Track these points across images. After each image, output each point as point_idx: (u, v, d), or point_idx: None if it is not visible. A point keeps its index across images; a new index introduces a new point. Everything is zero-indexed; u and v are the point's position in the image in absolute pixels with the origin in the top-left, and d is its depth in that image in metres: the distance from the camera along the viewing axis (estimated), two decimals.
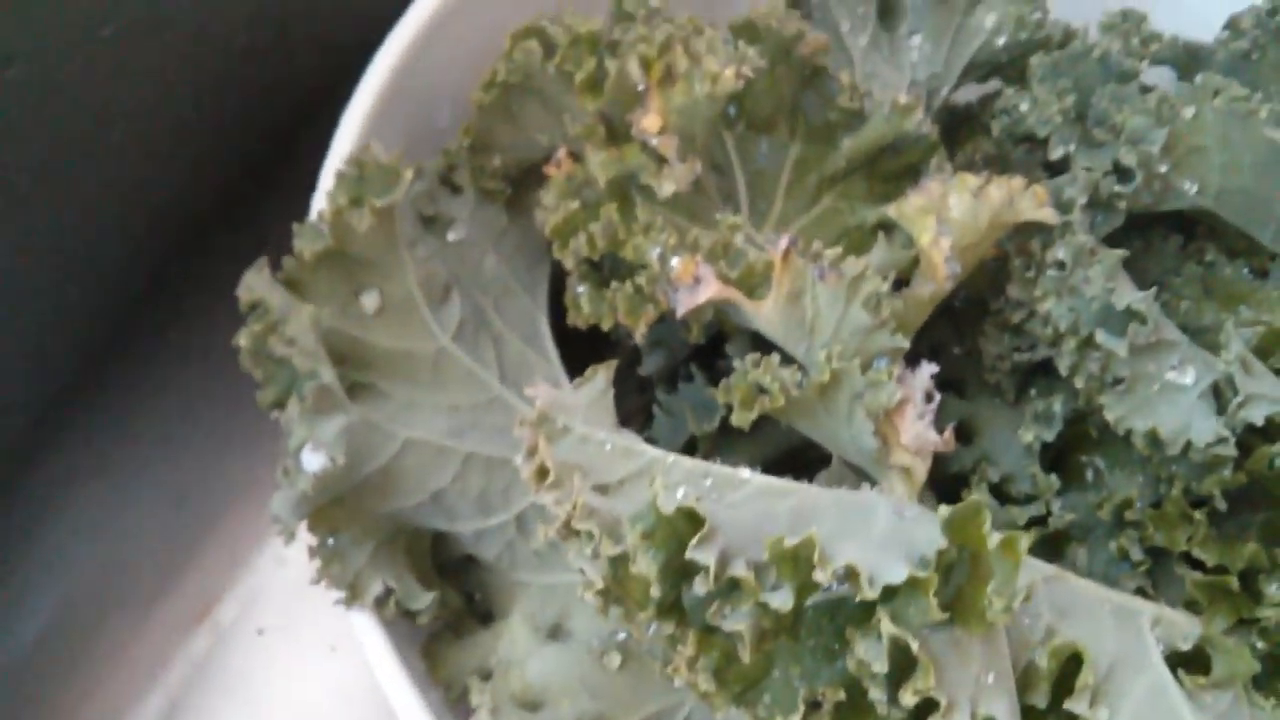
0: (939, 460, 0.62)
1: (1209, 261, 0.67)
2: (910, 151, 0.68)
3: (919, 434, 0.55)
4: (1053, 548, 0.57)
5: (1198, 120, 0.62)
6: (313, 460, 0.53)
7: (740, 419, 0.55)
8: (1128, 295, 0.54)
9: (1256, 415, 0.53)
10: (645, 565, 0.44)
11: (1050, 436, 0.59)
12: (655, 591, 0.44)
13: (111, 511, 0.77)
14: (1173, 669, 0.51)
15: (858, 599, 0.41)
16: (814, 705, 0.44)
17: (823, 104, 0.68)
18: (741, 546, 0.43)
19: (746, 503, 0.49)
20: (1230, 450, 0.52)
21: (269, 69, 0.74)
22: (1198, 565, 0.55)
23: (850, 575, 0.41)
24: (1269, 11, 0.70)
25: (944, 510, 0.42)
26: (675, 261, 0.55)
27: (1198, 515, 0.54)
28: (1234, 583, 0.53)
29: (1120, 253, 0.57)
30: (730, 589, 0.43)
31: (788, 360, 0.57)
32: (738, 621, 0.43)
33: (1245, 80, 0.70)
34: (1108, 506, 0.56)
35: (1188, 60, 0.73)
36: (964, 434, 0.65)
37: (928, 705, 0.42)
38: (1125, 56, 0.67)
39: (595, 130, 0.59)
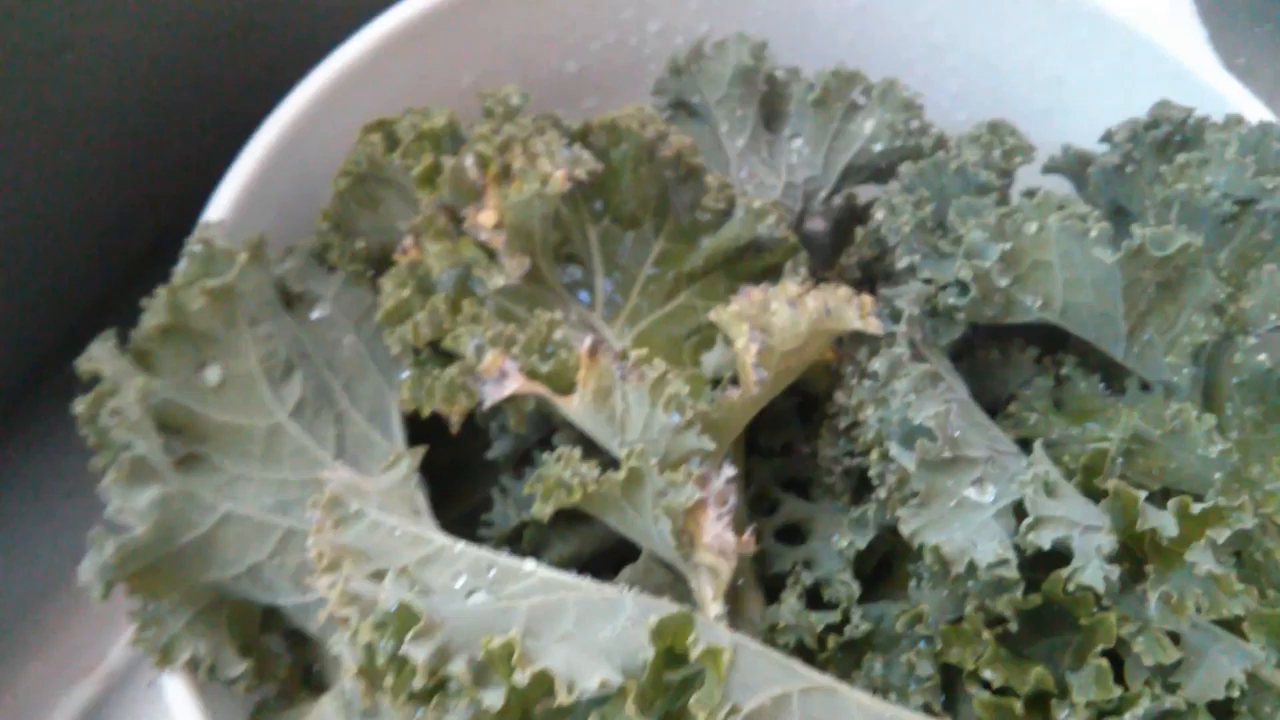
0: (764, 559, 0.63)
1: (1064, 375, 0.67)
2: (769, 253, 0.69)
3: (718, 534, 0.56)
4: (851, 656, 0.57)
5: (1040, 236, 0.62)
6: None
7: (539, 511, 0.56)
8: (925, 410, 0.55)
9: (1044, 539, 0.53)
10: (380, 657, 0.45)
11: (862, 544, 0.59)
12: (415, 682, 0.45)
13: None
14: None
15: (556, 704, 0.42)
16: None
17: (692, 203, 0.70)
18: (467, 644, 0.44)
19: (524, 595, 0.50)
20: (1012, 572, 0.52)
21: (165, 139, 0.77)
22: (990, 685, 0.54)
23: (543, 680, 0.41)
24: (1145, 125, 0.70)
25: (651, 619, 0.43)
26: (486, 356, 0.56)
27: (986, 634, 0.54)
28: (1017, 706, 0.53)
29: (926, 368, 0.57)
30: (444, 686, 0.44)
31: (603, 455, 0.59)
32: (455, 719, 0.44)
33: (1120, 193, 0.71)
34: (903, 619, 0.56)
35: (1080, 169, 0.74)
36: (799, 535, 0.66)
37: None
38: (983, 168, 0.67)
39: (433, 221, 0.61)
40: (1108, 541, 0.51)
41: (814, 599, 0.61)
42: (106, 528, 0.57)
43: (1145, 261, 0.60)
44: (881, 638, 0.57)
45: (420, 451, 0.58)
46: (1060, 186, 0.74)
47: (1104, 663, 0.52)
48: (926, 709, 0.54)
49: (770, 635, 0.59)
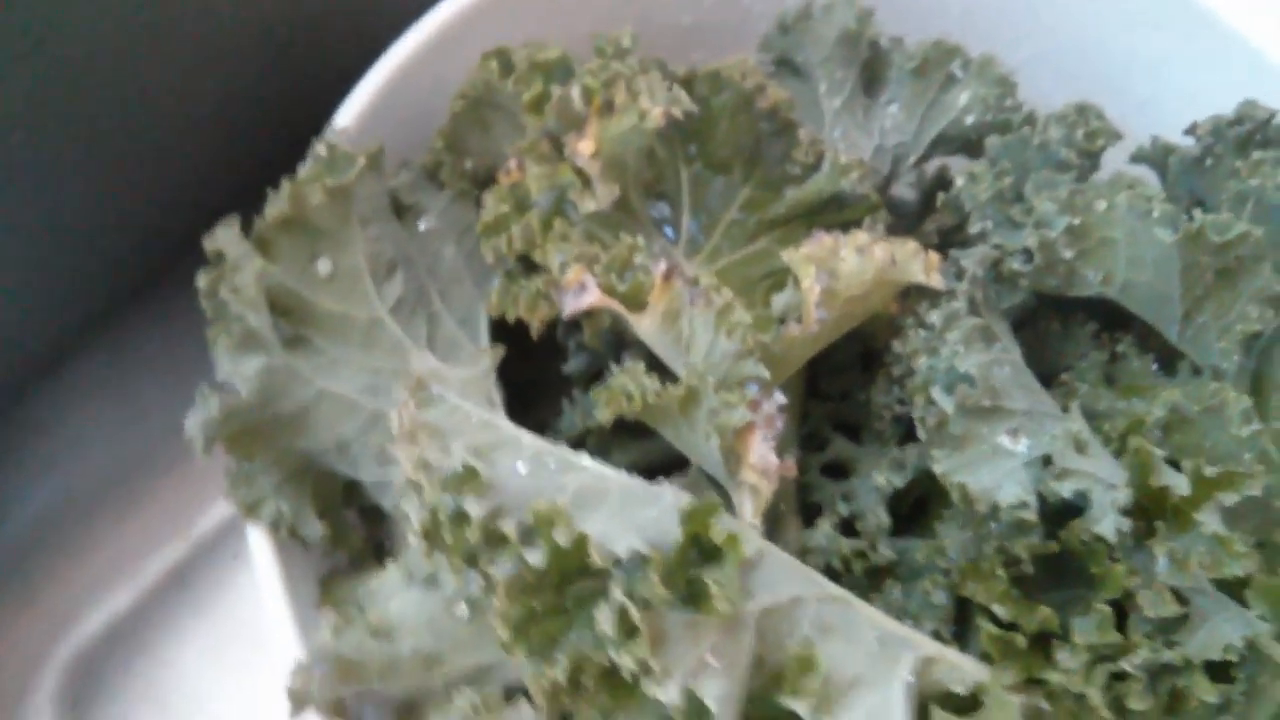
0: (807, 490, 0.67)
1: (1119, 352, 0.71)
2: (851, 209, 0.73)
3: (763, 456, 0.61)
4: (874, 582, 0.62)
5: (1108, 214, 0.66)
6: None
7: (601, 415, 0.62)
8: (971, 360, 0.59)
9: (1065, 489, 0.57)
10: (441, 514, 0.51)
11: (900, 482, 0.64)
12: (470, 535, 0.51)
13: (114, 425, 0.88)
14: (945, 708, 0.55)
15: (589, 567, 0.47)
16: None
17: (783, 155, 0.74)
18: (518, 507, 0.50)
19: (573, 483, 0.56)
20: (1031, 515, 0.56)
21: (302, 53, 0.84)
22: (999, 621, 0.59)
23: (580, 543, 0.47)
24: (1229, 122, 0.73)
25: (683, 503, 0.48)
26: (570, 270, 0.62)
27: (1001, 573, 0.58)
28: (1020, 640, 0.57)
29: (978, 322, 0.61)
30: (496, 541, 0.50)
31: (666, 373, 0.64)
32: (501, 571, 0.50)
33: (1199, 185, 0.74)
34: (925, 551, 0.60)
35: (1164, 160, 0.76)
36: (842, 471, 0.70)
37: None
38: (1064, 146, 0.71)
39: (537, 146, 0.67)
40: (1124, 495, 0.55)
41: (848, 529, 0.65)
42: (214, 388, 0.64)
43: (1203, 246, 0.63)
44: (905, 568, 0.62)
45: (500, 350, 0.64)
46: (1148, 177, 0.77)
47: (1107, 609, 0.56)
48: (936, 635, 0.59)
49: (802, 556, 0.64)
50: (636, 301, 0.62)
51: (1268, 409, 0.67)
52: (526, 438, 0.59)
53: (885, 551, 0.61)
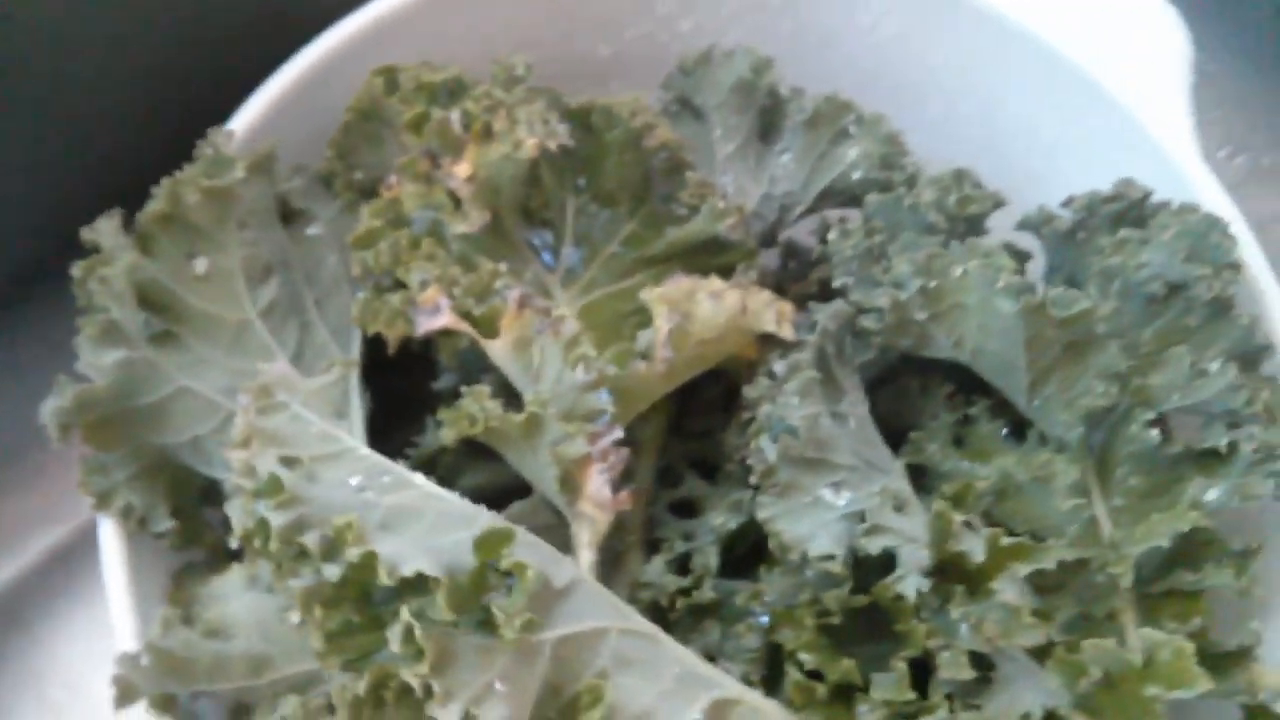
0: (652, 526, 0.69)
1: (971, 415, 0.73)
2: (727, 254, 0.75)
3: (599, 488, 0.63)
4: (696, 621, 0.64)
5: (962, 280, 0.68)
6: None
7: (445, 436, 0.64)
8: (799, 411, 0.61)
9: (873, 546, 0.59)
10: (250, 520, 0.53)
11: (734, 524, 0.66)
12: (272, 545, 0.53)
13: (8, 403, 0.89)
14: None
15: (379, 584, 0.49)
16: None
17: (669, 195, 0.77)
18: (322, 522, 0.52)
19: (391, 501, 0.57)
20: (837, 567, 0.58)
21: (216, 53, 0.86)
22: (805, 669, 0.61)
23: (369, 561, 0.49)
24: (1105, 198, 0.75)
25: (477, 527, 0.50)
26: (428, 289, 0.64)
27: (809, 621, 0.60)
28: (822, 690, 0.59)
29: (817, 376, 0.63)
30: (297, 553, 0.51)
31: (519, 399, 0.66)
32: (300, 583, 0.52)
33: (1070, 258, 0.76)
34: (744, 595, 0.62)
35: (1042, 230, 0.79)
36: (693, 509, 0.72)
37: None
38: (934, 210, 0.73)
39: (415, 165, 0.69)
40: (925, 556, 0.57)
41: (683, 568, 0.67)
42: (73, 378, 0.66)
43: (1047, 319, 0.65)
44: (726, 610, 0.64)
45: (353, 361, 0.66)
46: (1033, 246, 0.79)
47: (904, 667, 0.58)
48: (746, 678, 0.61)
49: (633, 591, 0.66)
50: (489, 327, 0.64)
51: (1109, 484, 0.70)
52: (364, 451, 0.61)
53: (709, 591, 0.63)
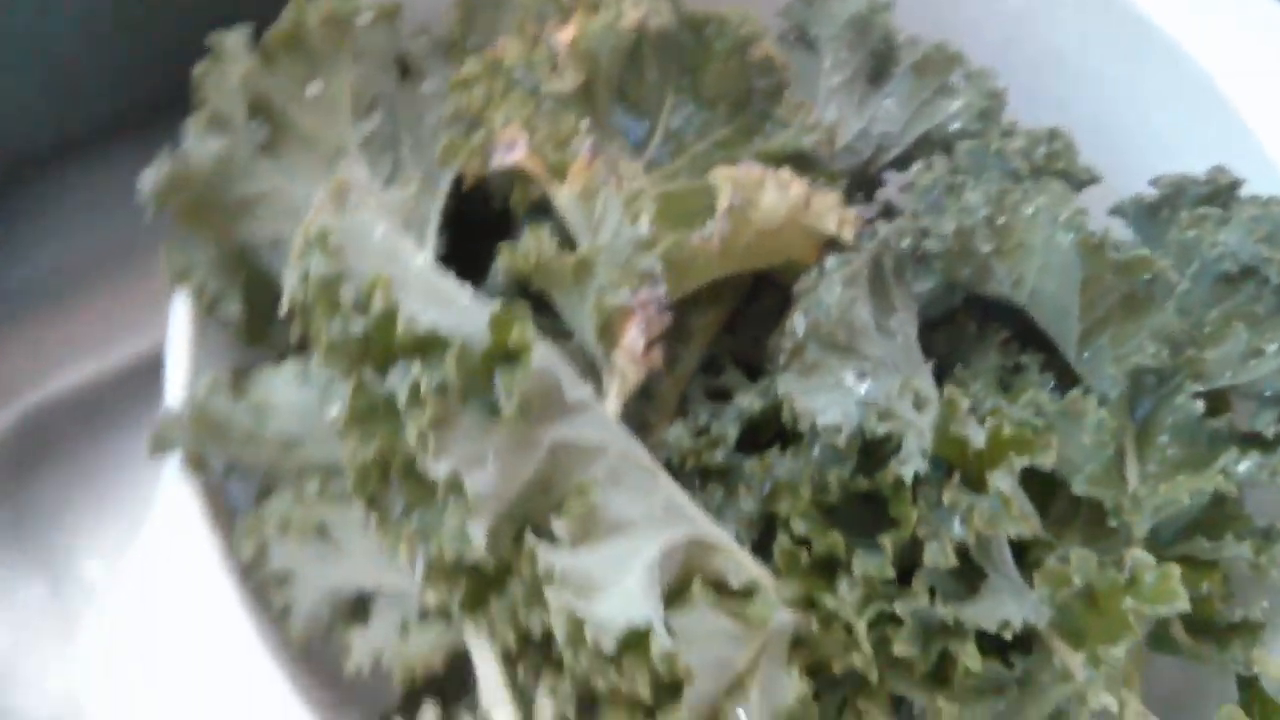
0: (685, 403, 0.72)
1: (1021, 362, 0.73)
2: (811, 171, 0.77)
3: (634, 341, 0.66)
4: (702, 481, 0.66)
5: (1033, 218, 0.69)
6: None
7: (501, 266, 0.67)
8: (837, 292, 0.63)
9: (881, 428, 0.60)
10: (300, 278, 0.57)
11: (758, 405, 0.67)
12: (309, 293, 0.57)
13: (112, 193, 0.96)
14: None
15: (394, 335, 0.53)
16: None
17: (765, 110, 0.79)
18: (359, 279, 0.56)
19: (444, 287, 0.61)
20: (842, 440, 0.60)
21: None
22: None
23: (391, 314, 0.52)
24: (1194, 181, 0.75)
25: (495, 305, 0.53)
26: (511, 127, 0.68)
27: (805, 491, 0.61)
28: (806, 558, 0.60)
29: (861, 269, 0.65)
30: (332, 306, 0.55)
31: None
32: (329, 332, 0.55)
33: (1149, 233, 0.76)
34: (753, 465, 0.64)
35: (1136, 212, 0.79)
36: (728, 399, 0.74)
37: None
38: (1020, 158, 0.74)
39: (524, 27, 0.73)
40: (927, 439, 0.58)
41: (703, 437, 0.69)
42: (177, 154, 0.71)
43: (1105, 262, 0.66)
44: (733, 477, 0.65)
45: (435, 183, 0.70)
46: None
47: (890, 546, 0.59)
48: (737, 537, 0.62)
49: (651, 450, 0.68)
50: (558, 171, 0.67)
51: (1148, 450, 0.70)
52: (423, 258, 0.64)
53: (719, 456, 0.65)
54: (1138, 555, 0.56)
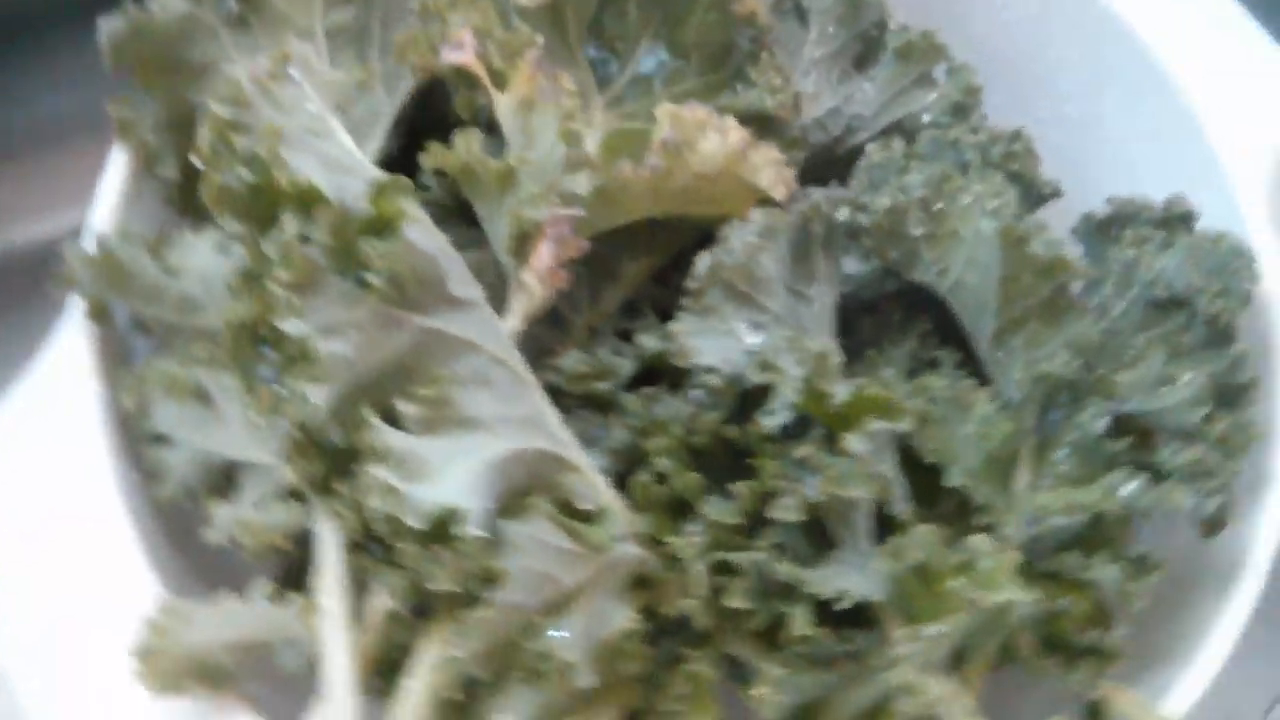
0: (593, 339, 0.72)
1: (936, 357, 0.73)
2: (772, 134, 0.77)
3: (544, 259, 0.66)
4: (579, 406, 0.65)
5: (967, 210, 0.68)
6: None
7: (427, 163, 0.67)
8: (742, 237, 0.62)
9: (756, 376, 0.60)
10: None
11: (652, 345, 0.67)
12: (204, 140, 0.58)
13: None
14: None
15: (276, 188, 0.53)
16: None
17: (740, 70, 0.79)
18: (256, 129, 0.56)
19: (341, 158, 0.61)
20: (717, 381, 0.60)
21: None
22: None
23: (275, 161, 0.53)
24: (1147, 205, 0.75)
25: (375, 173, 0.54)
26: (463, 29, 0.68)
27: (676, 432, 0.61)
28: (661, 495, 0.60)
29: (780, 225, 0.65)
30: (227, 148, 0.56)
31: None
32: (221, 179, 0.56)
33: (1095, 250, 0.76)
34: (633, 401, 0.64)
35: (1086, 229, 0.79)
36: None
37: None
38: (974, 151, 0.74)
39: None
40: (793, 389, 0.58)
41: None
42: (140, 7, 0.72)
43: (1024, 258, 0.65)
44: (614, 409, 0.65)
45: (370, 70, 0.71)
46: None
47: (745, 493, 0.59)
48: (604, 468, 0.62)
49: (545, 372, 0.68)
50: (501, 79, 0.68)
51: (1043, 463, 0.69)
52: (342, 137, 0.65)
53: (601, 387, 0.65)
54: (976, 540, 0.55)
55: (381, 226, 0.53)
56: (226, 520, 0.67)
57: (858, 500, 0.61)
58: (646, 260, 0.76)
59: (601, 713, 0.62)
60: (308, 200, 0.53)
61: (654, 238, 0.76)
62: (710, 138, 0.68)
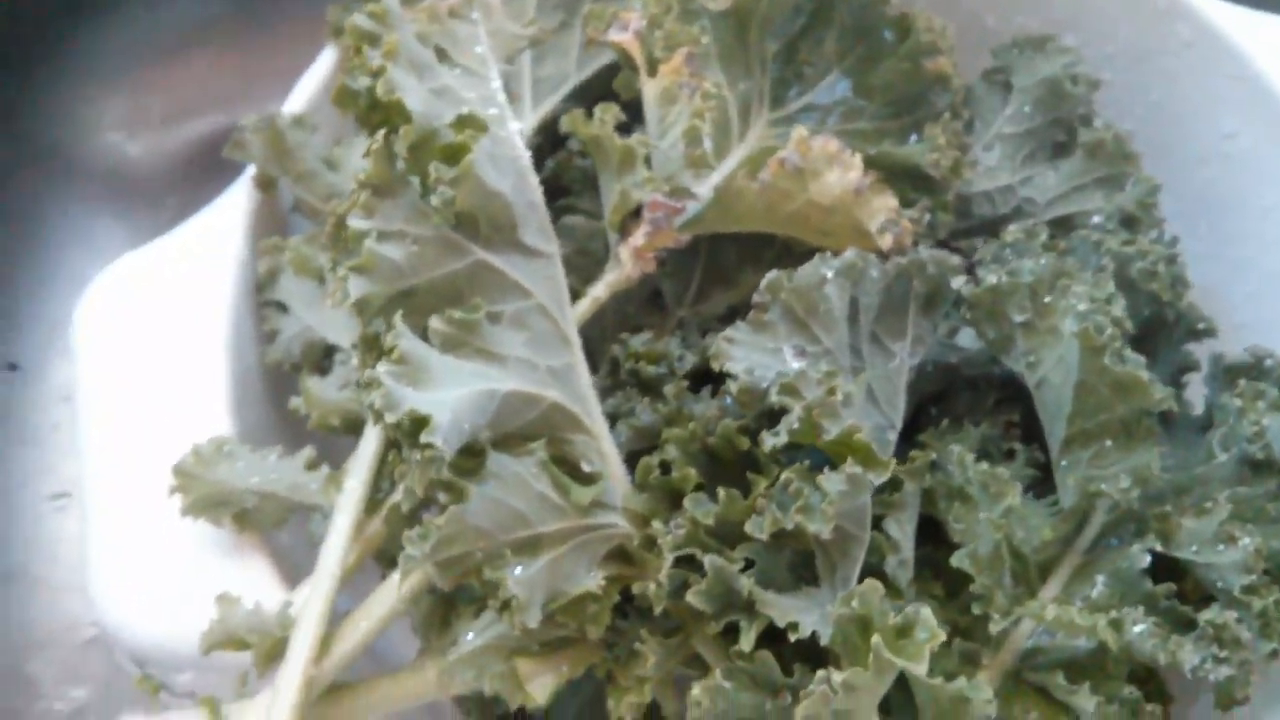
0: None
1: (1013, 448, 0.72)
2: (920, 188, 0.78)
3: (638, 239, 0.70)
4: (624, 387, 0.69)
5: (1067, 310, 0.67)
6: None
7: (563, 124, 0.72)
8: (814, 274, 0.64)
9: (775, 392, 0.61)
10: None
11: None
12: None
13: None
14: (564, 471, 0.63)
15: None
16: None
17: (919, 123, 0.81)
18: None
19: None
20: (735, 388, 0.62)
21: None
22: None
23: (382, 75, 0.59)
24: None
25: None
26: (635, 12, 0.73)
27: (694, 428, 0.64)
28: (659, 480, 0.63)
29: (857, 262, 0.65)
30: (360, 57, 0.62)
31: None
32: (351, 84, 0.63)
33: (1215, 398, 0.73)
34: (671, 389, 0.67)
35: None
36: None
37: None
38: (1111, 258, 0.72)
39: None
40: (797, 418, 0.59)
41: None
42: None
43: (1100, 368, 0.64)
44: (654, 393, 0.68)
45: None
46: None
47: (725, 500, 0.61)
48: (625, 452, 0.65)
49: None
50: (651, 65, 0.72)
51: (1079, 580, 0.68)
52: (495, 85, 0.70)
53: (654, 371, 0.68)
54: (914, 608, 0.55)
55: (452, 155, 0.58)
56: (311, 393, 0.75)
57: (848, 546, 0.62)
58: (763, 273, 0.79)
59: (556, 660, 0.65)
60: (397, 116, 0.59)
61: (777, 255, 0.78)
62: (833, 168, 0.70)
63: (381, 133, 0.60)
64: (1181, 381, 0.77)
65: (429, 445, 0.55)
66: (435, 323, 0.60)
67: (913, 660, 0.53)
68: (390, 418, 0.55)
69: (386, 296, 0.60)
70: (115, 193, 1.12)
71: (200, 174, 1.16)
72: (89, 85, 1.11)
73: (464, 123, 0.59)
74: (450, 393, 0.57)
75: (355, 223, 0.59)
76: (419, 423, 0.55)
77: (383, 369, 0.56)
